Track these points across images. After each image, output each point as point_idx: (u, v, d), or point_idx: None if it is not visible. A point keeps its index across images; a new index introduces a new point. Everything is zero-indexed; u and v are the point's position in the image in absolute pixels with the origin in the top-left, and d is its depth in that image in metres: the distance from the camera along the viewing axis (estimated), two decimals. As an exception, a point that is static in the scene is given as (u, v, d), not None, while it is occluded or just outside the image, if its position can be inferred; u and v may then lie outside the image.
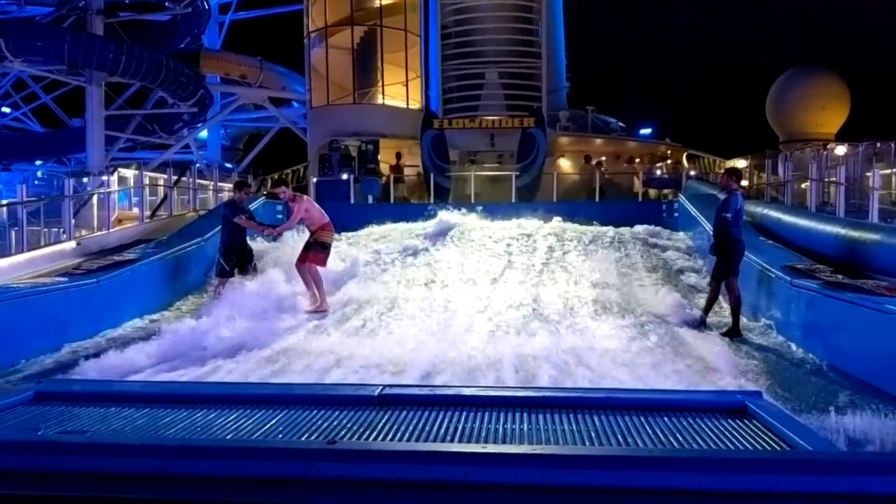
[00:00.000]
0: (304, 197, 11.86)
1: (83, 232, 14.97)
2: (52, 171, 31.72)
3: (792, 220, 13.94)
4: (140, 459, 2.32)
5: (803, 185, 16.43)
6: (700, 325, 10.04)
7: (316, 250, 11.34)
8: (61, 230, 14.30)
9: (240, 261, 11.90)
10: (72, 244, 13.38)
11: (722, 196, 10.92)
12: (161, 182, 19.96)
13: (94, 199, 16.02)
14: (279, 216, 15.98)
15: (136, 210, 18.10)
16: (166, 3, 30.51)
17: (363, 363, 8.06)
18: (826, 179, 15.89)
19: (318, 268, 11.42)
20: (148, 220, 17.03)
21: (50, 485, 2.26)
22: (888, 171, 14.52)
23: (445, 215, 18.12)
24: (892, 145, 17.22)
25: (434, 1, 29.52)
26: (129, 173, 20.51)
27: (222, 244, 11.89)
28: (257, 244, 13.49)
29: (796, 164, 17.93)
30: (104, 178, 19.78)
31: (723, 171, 14.90)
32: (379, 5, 29.07)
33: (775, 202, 17.23)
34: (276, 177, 27.45)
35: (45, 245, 13.27)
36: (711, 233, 10.78)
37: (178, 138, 34.60)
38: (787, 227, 13.89)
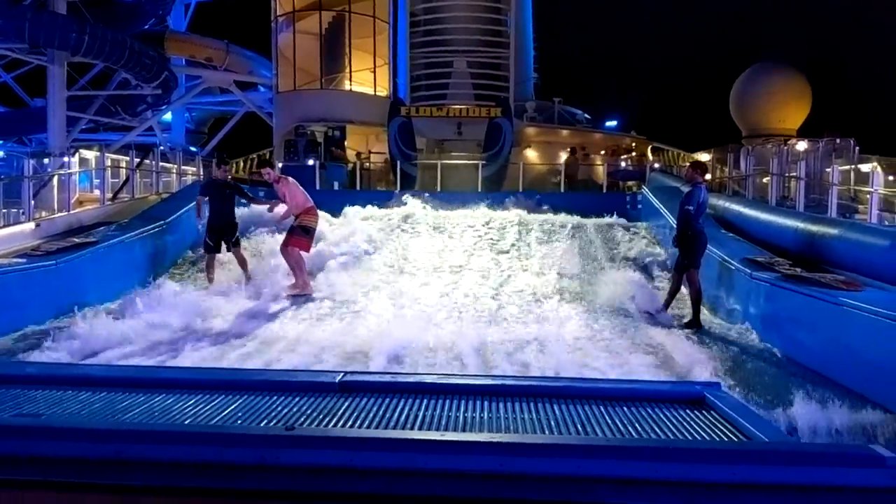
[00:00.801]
0: (290, 179, 11.71)
1: (43, 213, 14.69)
2: (13, 151, 31.04)
3: (753, 214, 14.13)
4: (95, 444, 2.29)
5: (765, 180, 16.65)
6: (661, 314, 10.15)
7: (299, 234, 11.26)
8: (20, 211, 14.04)
9: (224, 236, 11.98)
10: (31, 225, 13.13)
11: (686, 189, 11.03)
12: (123, 164, 19.64)
13: (55, 180, 15.70)
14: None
15: (97, 192, 17.80)
16: (131, -17, 30.01)
17: (323, 348, 8.08)
18: (787, 174, 16.12)
19: (302, 252, 11.38)
20: (109, 203, 16.76)
21: (3, 469, 2.21)
22: (847, 167, 14.76)
23: (411, 203, 18.13)
24: (852, 142, 17.54)
25: (403, -13, 29.42)
26: (91, 155, 20.11)
27: (207, 221, 12.05)
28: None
29: (758, 159, 18.17)
30: (65, 159, 19.36)
31: (688, 164, 15.04)
32: (348, -9, 28.87)
33: (737, 195, 17.45)
34: (262, 157, 27.24)
35: (5, 226, 13.02)
36: (675, 225, 10.88)
37: (141, 120, 34.10)
38: (748, 220, 14.08)
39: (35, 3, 28.51)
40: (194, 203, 12.77)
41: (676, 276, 10.44)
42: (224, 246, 12.06)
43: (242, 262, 12.17)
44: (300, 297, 10.95)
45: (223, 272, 12.31)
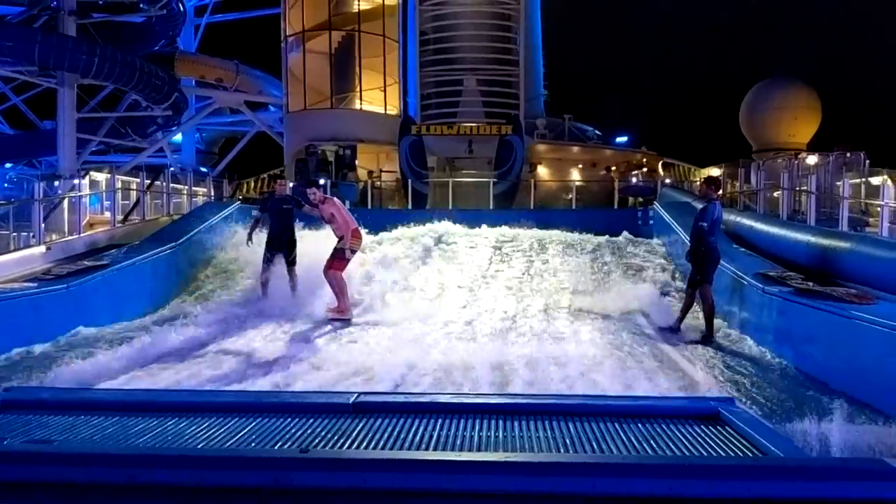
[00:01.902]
0: (335, 200, 11.53)
1: (53, 236, 14.74)
2: (23, 174, 31.26)
3: (764, 228, 14.08)
4: (108, 469, 2.28)
5: (775, 194, 16.61)
6: (674, 330, 10.11)
7: (341, 257, 11.05)
8: (31, 234, 14.10)
9: (283, 250, 11.97)
10: (42, 249, 13.16)
11: (699, 205, 11.01)
12: (134, 186, 19.74)
13: (65, 202, 15.79)
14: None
15: (107, 214, 17.88)
16: (141, 5, 30.26)
17: (343, 370, 8.04)
18: (797, 188, 16.08)
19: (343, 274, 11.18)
20: (120, 225, 16.83)
21: (16, 496, 2.21)
22: (857, 180, 14.71)
23: (431, 225, 18.12)
24: (862, 155, 17.49)
25: (413, 7, 29.59)
26: (101, 177, 20.23)
27: (267, 235, 12.19)
28: None
29: (769, 173, 18.14)
30: (75, 181, 19.49)
31: (701, 179, 15.03)
32: (357, 10, 29.05)
33: (748, 210, 17.41)
34: (272, 175, 27.21)
35: (15, 249, 13.06)
36: (687, 240, 10.86)
37: (151, 142, 34.30)
38: (759, 234, 14.03)
39: (45, 26, 28.83)
40: (242, 223, 12.57)
41: (690, 291, 10.41)
42: (283, 260, 11.97)
43: (293, 284, 12.03)
44: (341, 320, 10.73)
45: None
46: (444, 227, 18.22)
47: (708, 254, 10.07)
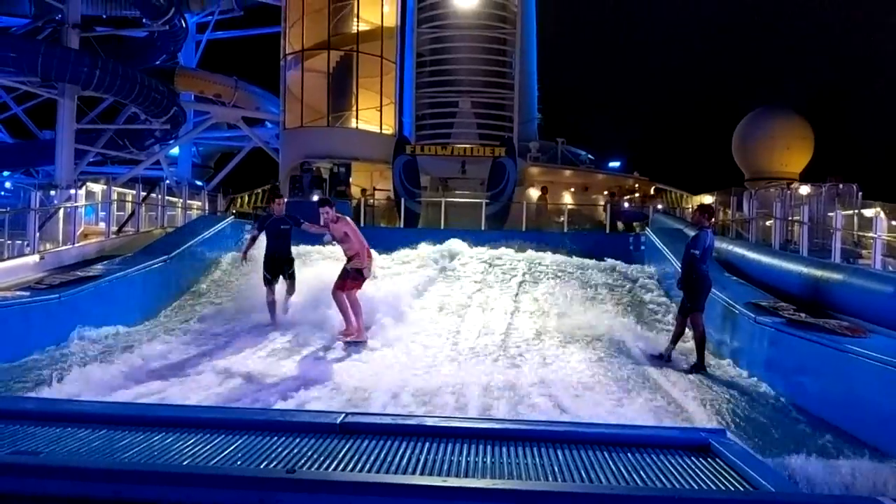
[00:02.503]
0: (347, 220, 11.17)
1: (48, 245, 14.71)
2: (20, 182, 31.24)
3: (756, 258, 14.10)
4: (94, 483, 2.26)
5: (768, 223, 16.65)
6: (665, 359, 10.09)
7: (355, 277, 10.73)
8: (25, 243, 14.06)
9: (282, 268, 11.96)
10: (35, 258, 13.13)
11: (692, 232, 11.02)
12: (129, 198, 19.73)
13: (61, 212, 15.76)
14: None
15: (102, 225, 17.85)
16: (144, 20, 30.40)
17: (334, 387, 8.02)
18: (790, 218, 16.14)
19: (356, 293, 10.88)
20: (114, 236, 16.81)
21: (-1, 508, 2.19)
22: (850, 211, 14.77)
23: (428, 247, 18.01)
24: (855, 187, 17.56)
25: (411, 29, 29.78)
26: (98, 188, 20.22)
27: (264, 256, 12.01)
28: None
29: (761, 202, 18.18)
30: (72, 191, 19.48)
31: (694, 206, 15.05)
32: (356, 31, 29.23)
33: (740, 238, 17.44)
34: (266, 191, 27.22)
35: (8, 258, 13.02)
36: (679, 267, 10.86)
37: (149, 154, 34.35)
38: (751, 263, 14.04)
39: (48, 38, 28.94)
40: (239, 237, 12.43)
41: (681, 318, 10.39)
42: (281, 276, 11.97)
43: (290, 292, 12.07)
44: (357, 343, 10.41)
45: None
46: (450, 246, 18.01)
47: (699, 281, 10.06)
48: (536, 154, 30.14)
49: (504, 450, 3.13)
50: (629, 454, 3.09)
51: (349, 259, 10.86)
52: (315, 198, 23.37)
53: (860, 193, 17.15)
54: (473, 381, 8.39)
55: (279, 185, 25.11)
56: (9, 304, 9.25)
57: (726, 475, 2.85)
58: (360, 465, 2.83)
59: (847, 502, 2.33)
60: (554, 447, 3.17)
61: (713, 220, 11.64)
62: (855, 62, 47.82)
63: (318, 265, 14.03)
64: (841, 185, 18.36)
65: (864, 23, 45.65)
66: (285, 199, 13.13)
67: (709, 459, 3.07)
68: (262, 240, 12.05)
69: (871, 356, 6.86)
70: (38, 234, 13.92)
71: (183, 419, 3.48)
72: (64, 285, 10.59)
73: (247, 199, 30.93)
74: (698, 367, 9.67)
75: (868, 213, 14.47)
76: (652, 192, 31.27)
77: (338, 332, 10.78)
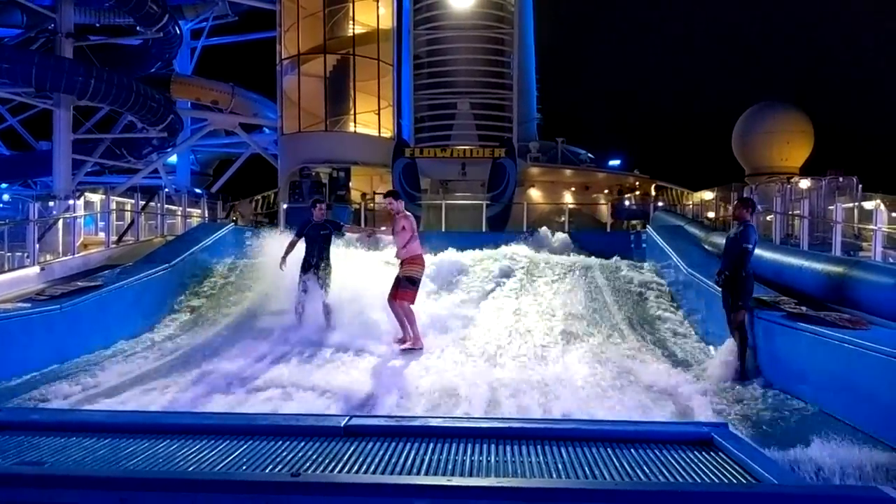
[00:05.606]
0: (409, 215, 10.75)
1: (48, 257, 14.73)
2: (18, 194, 31.25)
3: (757, 252, 14.06)
4: (99, 492, 2.27)
5: (768, 218, 16.66)
6: (740, 377, 9.01)
7: (405, 286, 10.42)
8: (25, 255, 14.07)
9: (316, 274, 11.38)
10: (36, 269, 13.14)
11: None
12: (128, 207, 19.75)
13: (60, 223, 15.78)
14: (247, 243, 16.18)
15: (102, 235, 17.86)
16: (138, 28, 30.42)
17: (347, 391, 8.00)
18: (790, 213, 16.14)
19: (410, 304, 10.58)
20: (114, 246, 16.81)
21: (5, 518, 2.20)
22: (850, 204, 14.78)
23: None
24: (855, 180, 17.58)
25: (407, 31, 29.82)
26: (96, 198, 20.26)
27: (302, 261, 11.52)
28: None
29: (761, 197, 18.20)
30: (70, 202, 19.51)
31: (695, 202, 15.00)
32: (352, 34, 29.24)
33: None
34: (266, 197, 27.13)
35: (9, 270, 13.04)
36: (722, 263, 9.91)
37: (146, 163, 34.36)
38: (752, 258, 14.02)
39: (42, 48, 28.96)
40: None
41: (736, 321, 9.35)
42: (317, 282, 11.43)
43: (328, 311, 11.43)
44: (414, 350, 10.20)
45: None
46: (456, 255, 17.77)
47: (749, 279, 9.41)
48: (536, 154, 30.20)
49: (508, 448, 3.14)
50: (632, 450, 3.10)
51: (401, 264, 10.61)
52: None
53: (860, 186, 17.18)
54: (479, 382, 8.39)
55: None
56: (10, 315, 9.24)
57: (730, 468, 2.86)
58: (364, 467, 2.84)
59: (849, 492, 2.33)
60: (557, 445, 3.17)
61: (754, 213, 10.72)
62: (855, 56, 47.85)
63: (358, 269, 13.56)
64: (841, 179, 18.38)
65: (862, 16, 45.69)
66: (325, 204, 12.67)
67: (712, 453, 3.07)
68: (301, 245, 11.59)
69: (872, 348, 6.86)
70: (37, 246, 13.93)
71: (187, 426, 3.49)
72: (65, 296, 10.58)
73: (255, 205, 30.90)
74: (743, 374, 8.94)
75: (868, 205, 14.47)
76: (652, 189, 31.31)
77: (394, 340, 10.61)
